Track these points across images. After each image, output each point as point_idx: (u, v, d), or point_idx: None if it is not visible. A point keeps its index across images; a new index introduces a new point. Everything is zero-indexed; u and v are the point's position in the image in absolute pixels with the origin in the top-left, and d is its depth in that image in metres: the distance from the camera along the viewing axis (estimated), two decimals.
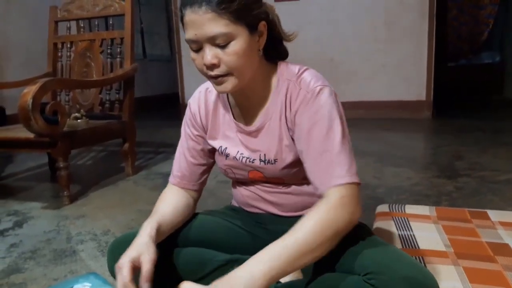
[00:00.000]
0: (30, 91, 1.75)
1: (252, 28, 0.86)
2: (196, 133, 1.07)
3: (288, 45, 1.02)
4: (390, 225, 1.49)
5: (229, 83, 0.87)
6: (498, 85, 6.29)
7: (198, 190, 1.11)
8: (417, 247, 1.31)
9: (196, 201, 1.12)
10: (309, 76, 0.93)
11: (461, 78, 6.73)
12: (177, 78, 5.03)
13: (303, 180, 1.01)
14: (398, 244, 1.33)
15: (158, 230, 0.92)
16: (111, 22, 2.61)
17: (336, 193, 0.83)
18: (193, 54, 0.87)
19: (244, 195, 1.10)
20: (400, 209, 1.66)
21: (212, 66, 0.85)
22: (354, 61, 4.40)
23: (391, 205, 1.69)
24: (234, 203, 1.21)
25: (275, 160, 0.98)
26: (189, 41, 0.85)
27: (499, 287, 1.06)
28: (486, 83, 6.45)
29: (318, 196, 0.87)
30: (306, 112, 0.89)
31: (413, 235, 1.41)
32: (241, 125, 1.00)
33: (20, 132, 1.96)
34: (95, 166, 2.95)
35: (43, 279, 1.27)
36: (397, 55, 4.30)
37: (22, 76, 2.62)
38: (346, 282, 0.82)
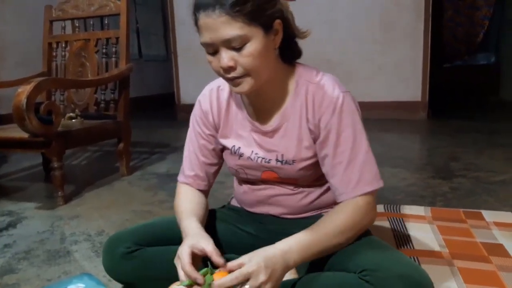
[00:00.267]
0: (24, 90, 1.74)
1: (267, 28, 0.85)
2: (207, 132, 1.06)
3: None
4: (385, 225, 1.50)
5: (246, 84, 0.87)
6: (493, 86, 6.31)
7: (208, 191, 1.11)
8: (412, 248, 1.31)
9: (207, 202, 1.11)
10: (330, 80, 0.94)
11: (457, 79, 6.75)
12: (172, 78, 5.01)
13: (315, 182, 1.03)
14: (393, 244, 1.33)
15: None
16: (106, 22, 2.59)
17: (364, 199, 0.90)
18: (209, 57, 0.87)
19: (248, 195, 1.09)
20: (395, 210, 1.66)
21: (229, 69, 0.85)
22: (351, 62, 4.40)
23: (386, 206, 1.69)
24: (234, 203, 1.20)
25: (293, 161, 0.98)
26: (205, 45, 0.85)
27: (493, 287, 1.07)
28: (481, 84, 6.47)
29: (335, 200, 0.94)
30: (333, 119, 0.91)
31: (408, 235, 1.41)
32: (257, 124, 1.00)
33: (14, 132, 1.95)
34: (90, 166, 2.93)
35: (37, 280, 1.26)
36: (394, 56, 4.30)
37: (17, 76, 2.60)
38: (342, 280, 0.83)
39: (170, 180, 2.35)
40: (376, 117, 4.29)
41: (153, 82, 6.53)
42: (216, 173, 1.11)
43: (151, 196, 2.07)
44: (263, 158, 1.00)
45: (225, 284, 0.76)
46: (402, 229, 1.46)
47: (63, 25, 2.67)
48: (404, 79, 4.31)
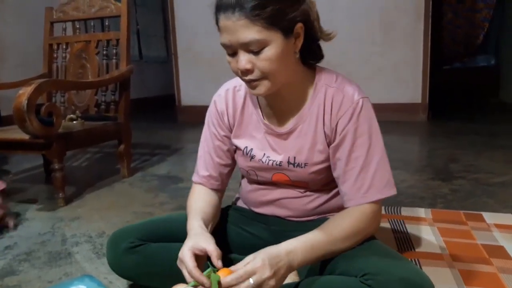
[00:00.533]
0: (25, 92, 1.74)
1: (287, 32, 0.84)
2: (222, 133, 1.06)
3: None
4: (385, 227, 1.50)
5: (263, 87, 0.87)
6: (493, 88, 6.31)
7: (223, 190, 1.11)
8: (412, 250, 1.31)
9: (221, 201, 1.11)
10: (349, 84, 0.94)
11: (456, 81, 6.75)
12: (173, 79, 5.02)
13: (324, 186, 1.03)
14: (394, 247, 1.33)
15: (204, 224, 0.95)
16: (107, 23, 2.59)
17: (371, 207, 0.91)
18: (228, 58, 0.88)
19: (256, 195, 1.09)
20: (395, 211, 1.66)
21: (246, 72, 0.85)
22: (350, 63, 4.40)
23: (386, 207, 1.69)
24: (238, 203, 1.21)
25: (305, 164, 0.98)
26: (224, 46, 0.86)
27: None
28: (481, 86, 6.47)
29: (340, 206, 0.95)
30: (351, 124, 0.91)
31: (409, 237, 1.41)
32: (272, 126, 0.99)
33: (15, 133, 1.95)
34: (91, 168, 2.93)
35: (38, 282, 1.26)
36: (394, 58, 4.30)
37: (18, 77, 2.60)
38: (343, 284, 0.82)
39: (170, 182, 2.35)
40: (376, 118, 4.30)
41: (154, 83, 6.53)
42: (230, 173, 1.11)
43: (151, 198, 2.07)
44: (274, 161, 1.00)
45: (230, 283, 0.76)
46: (402, 231, 1.46)
47: (63, 26, 2.67)
48: (404, 80, 4.31)
